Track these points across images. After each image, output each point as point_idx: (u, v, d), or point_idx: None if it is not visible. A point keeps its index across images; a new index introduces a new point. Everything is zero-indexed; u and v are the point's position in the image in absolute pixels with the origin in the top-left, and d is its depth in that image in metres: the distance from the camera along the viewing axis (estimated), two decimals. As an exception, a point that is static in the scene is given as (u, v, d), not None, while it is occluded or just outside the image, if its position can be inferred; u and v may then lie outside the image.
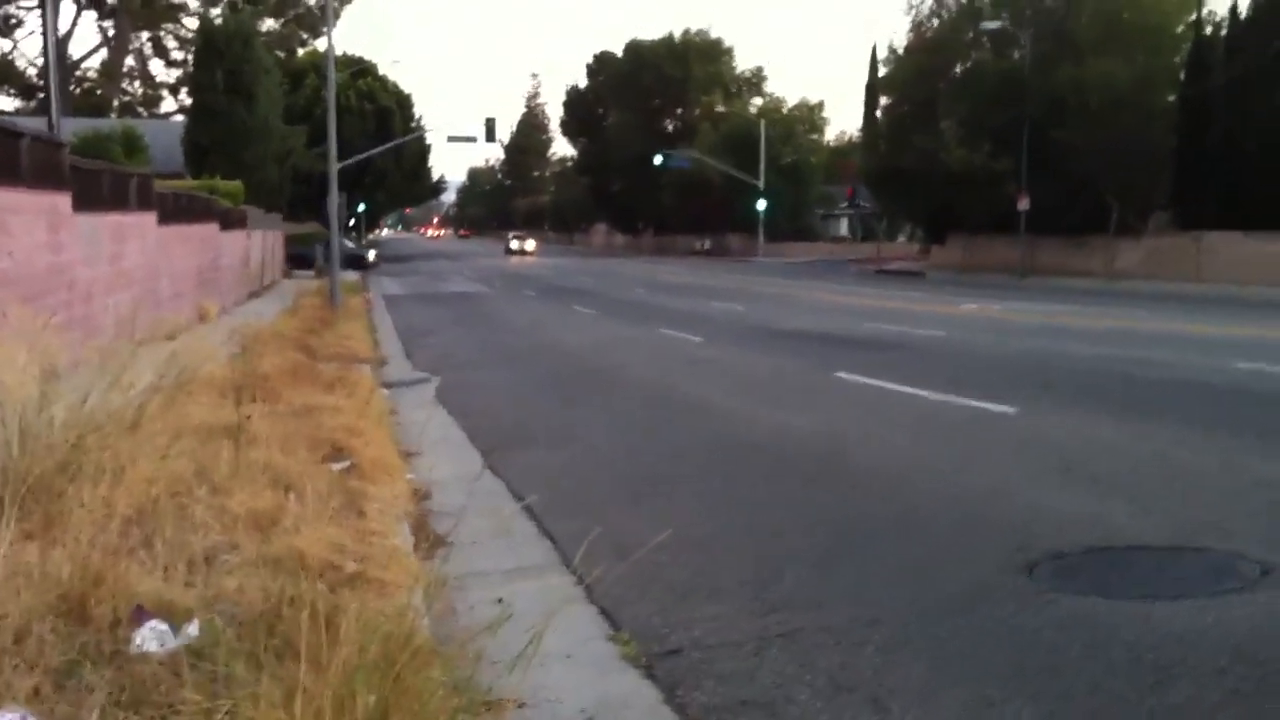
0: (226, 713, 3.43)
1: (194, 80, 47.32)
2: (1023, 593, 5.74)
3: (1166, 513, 7.28)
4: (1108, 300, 32.15)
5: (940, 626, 5.28)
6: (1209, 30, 44.58)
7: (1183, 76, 44.20)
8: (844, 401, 12.92)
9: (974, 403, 12.22)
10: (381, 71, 76.28)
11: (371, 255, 66.14)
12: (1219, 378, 14.05)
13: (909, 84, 55.30)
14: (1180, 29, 46.74)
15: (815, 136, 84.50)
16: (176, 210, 21.61)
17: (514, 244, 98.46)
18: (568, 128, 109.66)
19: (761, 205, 72.08)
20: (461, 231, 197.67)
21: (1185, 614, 5.29)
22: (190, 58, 56.07)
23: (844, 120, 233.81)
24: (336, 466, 7.90)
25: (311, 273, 44.97)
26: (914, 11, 55.25)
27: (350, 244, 72.14)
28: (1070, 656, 4.84)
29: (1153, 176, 42.88)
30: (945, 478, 8.54)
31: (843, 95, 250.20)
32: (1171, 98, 44.52)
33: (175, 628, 4.19)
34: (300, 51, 72.84)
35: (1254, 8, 40.76)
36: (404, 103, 76.79)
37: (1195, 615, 5.27)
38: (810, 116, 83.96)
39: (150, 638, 4.08)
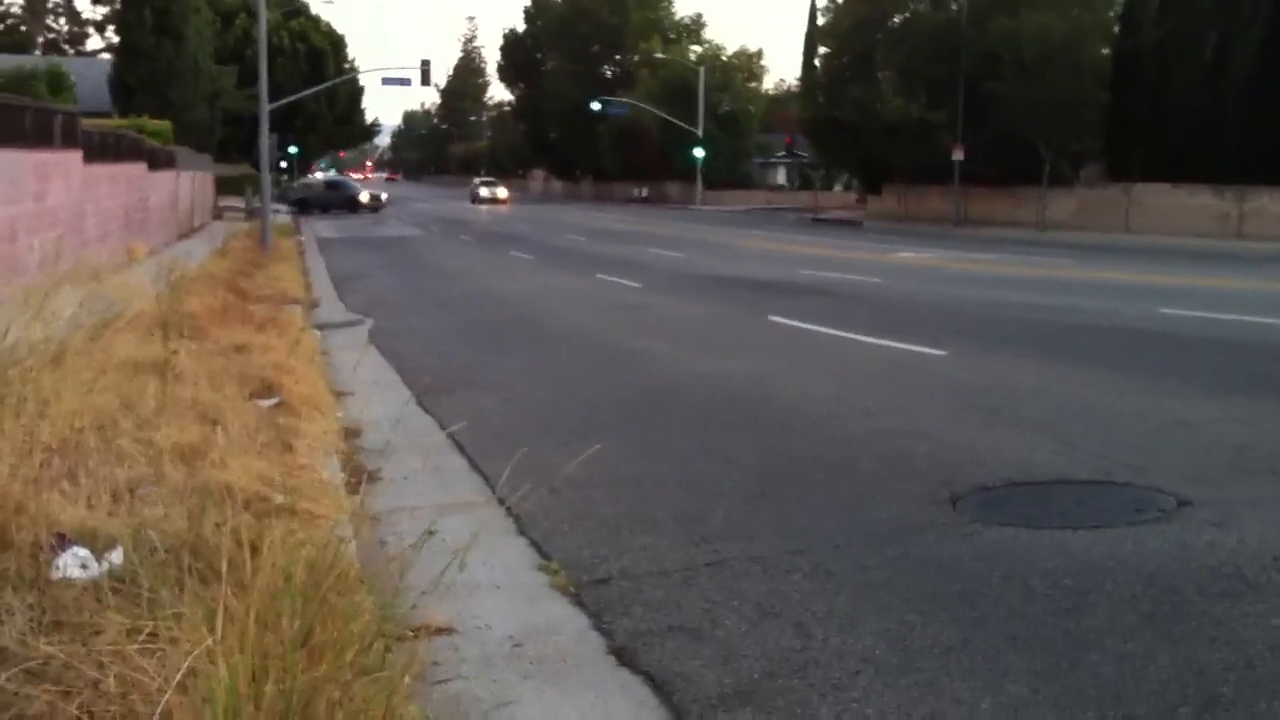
0: (149, 633, 3.41)
1: (121, 18, 46.21)
2: (946, 524, 5.85)
3: (1089, 450, 7.42)
4: (1039, 249, 32.56)
5: (865, 557, 5.36)
6: (1143, -16, 45.00)
7: (1116, 31, 44.65)
8: (778, 346, 13.01)
9: (906, 346, 12.36)
10: (315, 11, 74.89)
11: (366, 196, 62.51)
12: (1143, 323, 14.33)
13: (847, 35, 55.28)
14: (1115, -18, 47.16)
15: (754, 85, 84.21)
16: (103, 149, 21.12)
17: (483, 191, 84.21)
18: (505, 73, 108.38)
19: (699, 153, 71.87)
20: (388, 175, 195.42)
21: (1102, 544, 5.42)
22: (117, -5, 54.70)
23: (783, 69, 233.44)
24: (265, 403, 7.84)
25: (242, 214, 44.23)
26: (854, -40, 55.11)
27: (353, 182, 71.46)
28: (990, 584, 4.95)
29: (1085, 129, 43.36)
30: (876, 418, 8.64)
31: (782, 44, 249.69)
32: (1105, 51, 44.96)
33: (98, 555, 4.16)
34: (231, -11, 71.24)
35: (1187, -39, 41.14)
36: (337, 44, 75.50)
37: (1112, 545, 5.40)
38: (749, 65, 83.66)
39: (72, 563, 4.04)
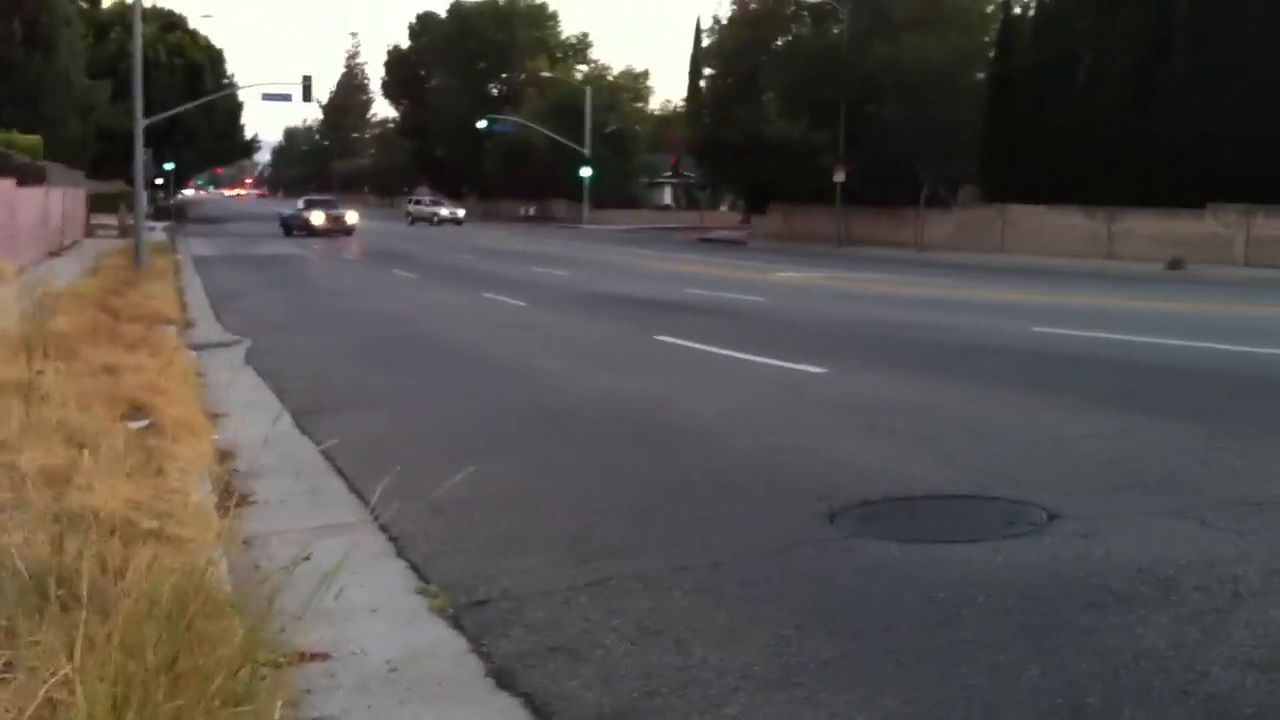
0: (5, 663, 3.28)
1: (-12, 29, 44.63)
2: (825, 540, 5.91)
3: (965, 465, 7.58)
4: (918, 269, 33.29)
5: (746, 573, 5.39)
6: (1018, 11, 46.45)
7: (992, 55, 45.97)
8: (664, 364, 13.06)
9: (788, 364, 12.51)
10: (192, 25, 73.47)
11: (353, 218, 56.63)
12: (1017, 341, 14.72)
13: (732, 56, 56.08)
14: (990, 9, 48.59)
15: (640, 105, 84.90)
16: (-34, 163, 20.37)
17: (443, 211, 74.48)
18: (389, 89, 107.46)
19: (586, 172, 72.08)
20: (259, 192, 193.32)
21: (977, 558, 5.53)
22: (-17, 5, 52.89)
23: (669, 90, 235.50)
24: (135, 425, 7.60)
25: (115, 231, 42.99)
26: (738, -17, 55.91)
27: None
28: (867, 598, 5.01)
29: (962, 152, 44.51)
30: (758, 435, 8.71)
31: (668, 66, 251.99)
32: (981, 76, 46.26)
33: (-50, 584, 3.97)
34: (105, 2, 69.46)
35: (1059, -10, 42.56)
36: (216, 59, 74.19)
37: (986, 559, 5.51)
38: (635, 85, 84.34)
39: (-77, 594, 3.86)
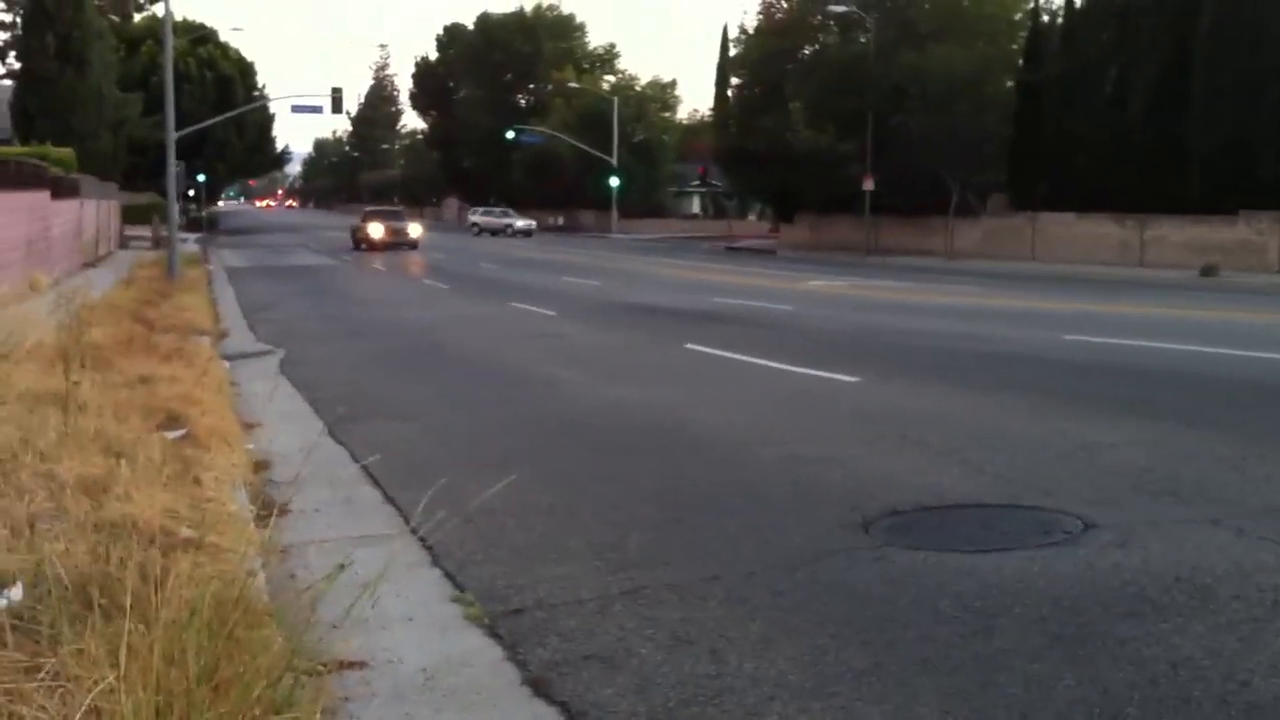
0: (50, 671, 3.32)
1: (23, 45, 45.25)
2: (857, 549, 5.90)
3: (997, 475, 7.56)
4: (947, 277, 33.16)
5: (779, 582, 5.39)
6: (1045, 19, 46.26)
7: (1020, 64, 45.78)
8: (693, 374, 13.07)
9: (819, 373, 12.49)
10: (223, 38, 74.07)
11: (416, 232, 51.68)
12: (1048, 350, 14.64)
13: (759, 65, 56.02)
14: (1018, 17, 48.39)
15: (667, 115, 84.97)
16: (2, 178, 20.61)
17: (519, 223, 71.34)
18: (417, 101, 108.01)
19: (614, 182, 72.19)
20: (289, 204, 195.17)
21: (1011, 567, 5.51)
22: (19, 20, 53.57)
23: (696, 99, 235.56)
24: (172, 435, 7.67)
25: (148, 243, 43.37)
26: (764, -7, 55.89)
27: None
28: (900, 607, 5.01)
29: (991, 160, 44.32)
30: (788, 445, 8.71)
31: (695, 75, 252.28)
32: (1009, 84, 46.08)
33: (-4, 592, 4.03)
34: (137, 17, 70.20)
35: (1088, -2, 42.39)
36: (246, 71, 74.70)
37: (1020, 568, 5.49)
38: (662, 95, 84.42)
39: (-31, 602, 3.91)
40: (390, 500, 7.11)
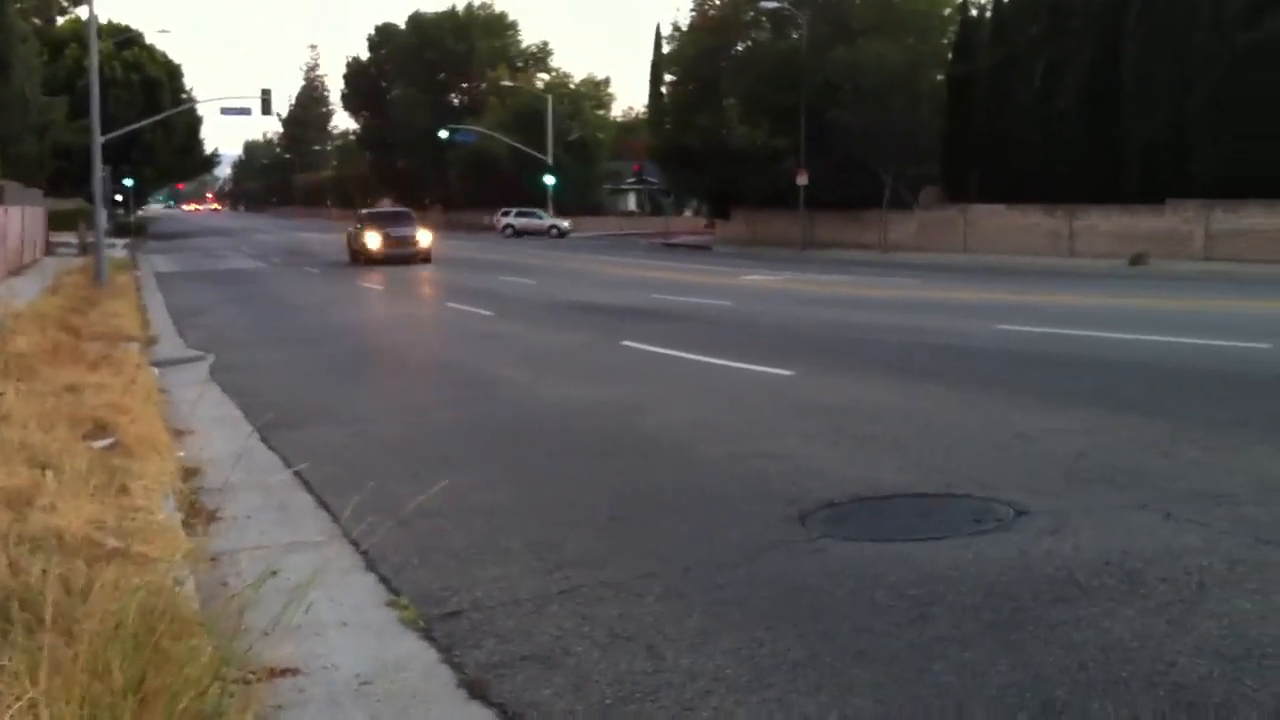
0: (-34, 690, 3.24)
1: (-59, 48, 44.17)
2: (795, 542, 5.93)
3: (932, 465, 7.62)
4: (882, 270, 33.45)
5: (717, 577, 5.40)
6: (975, 14, 46.81)
7: (950, 59, 46.31)
8: (631, 371, 13.06)
9: (757, 368, 12.54)
10: (149, 41, 72.91)
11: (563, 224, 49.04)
12: (981, 340, 14.81)
13: (692, 62, 56.15)
14: (948, 12, 48.93)
15: (602, 113, 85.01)
16: (-79, 183, 20.14)
17: (564, 224, 68.78)
18: (349, 101, 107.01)
19: (550, 181, 72.00)
20: (215, 207, 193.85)
21: (945, 556, 5.56)
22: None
23: (631, 97, 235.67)
24: (99, 444, 7.54)
25: (75, 249, 42.57)
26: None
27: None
28: (837, 598, 5.03)
29: (924, 154, 44.78)
30: (726, 441, 8.72)
31: (629, 72, 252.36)
32: (941, 78, 46.58)
33: (-88, 610, 3.92)
34: (60, 20, 68.95)
35: (1016, -9, 42.93)
36: (174, 73, 73.61)
37: (954, 556, 5.54)
38: (597, 93, 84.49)
39: (-117, 620, 3.81)
40: (324, 505, 7.02)
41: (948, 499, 6.75)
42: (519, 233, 69.85)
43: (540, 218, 71.08)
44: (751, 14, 53.38)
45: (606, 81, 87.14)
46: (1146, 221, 36.06)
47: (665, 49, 61.46)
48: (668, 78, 61.66)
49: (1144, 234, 35.56)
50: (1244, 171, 32.38)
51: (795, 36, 50.09)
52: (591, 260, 41.38)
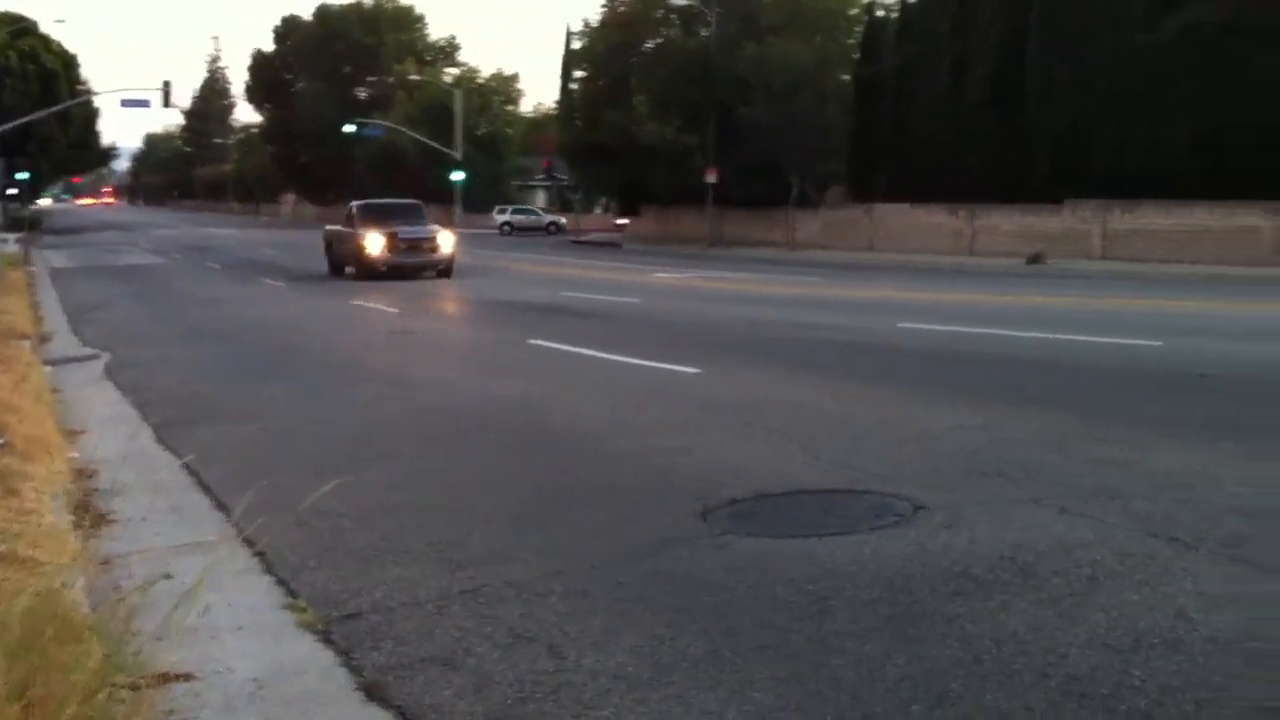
0: None
1: None
2: (699, 539, 5.95)
3: (835, 461, 7.71)
4: (788, 268, 33.78)
5: (621, 575, 5.40)
6: (881, 14, 47.47)
7: (857, 58, 46.90)
8: (540, 370, 13.02)
9: (664, 365, 12.58)
10: (45, 30, 70.90)
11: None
12: (884, 337, 15.03)
13: (603, 59, 56.19)
14: (854, 11, 49.56)
15: (511, 108, 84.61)
16: None
17: (563, 220, 68.26)
18: (253, 94, 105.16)
19: (458, 176, 71.48)
20: (109, 201, 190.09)
21: (845, 551, 5.63)
22: None
23: (541, 93, 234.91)
24: (-14, 445, 7.31)
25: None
26: (607, -14, 56.07)
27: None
28: (738, 594, 5.07)
29: (830, 152, 45.32)
30: (634, 438, 8.74)
31: (539, 69, 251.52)
32: (847, 78, 47.17)
33: None
34: (-50, 8, 66.85)
35: (921, -9, 43.63)
36: (70, 64, 71.69)
37: (853, 551, 5.61)
38: (506, 88, 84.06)
39: None
40: (221, 506, 6.88)
41: (850, 494, 6.83)
42: (515, 229, 69.19)
43: (538, 215, 71.16)
44: (661, 11, 53.56)
45: (515, 77, 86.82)
46: (1046, 221, 36.89)
47: (576, 45, 61.38)
48: (578, 74, 61.62)
49: (1044, 233, 36.38)
50: (1144, 168, 33.26)
51: (705, 34, 50.37)
52: (498, 257, 41.19)
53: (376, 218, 30.70)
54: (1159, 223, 33.86)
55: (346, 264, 31.07)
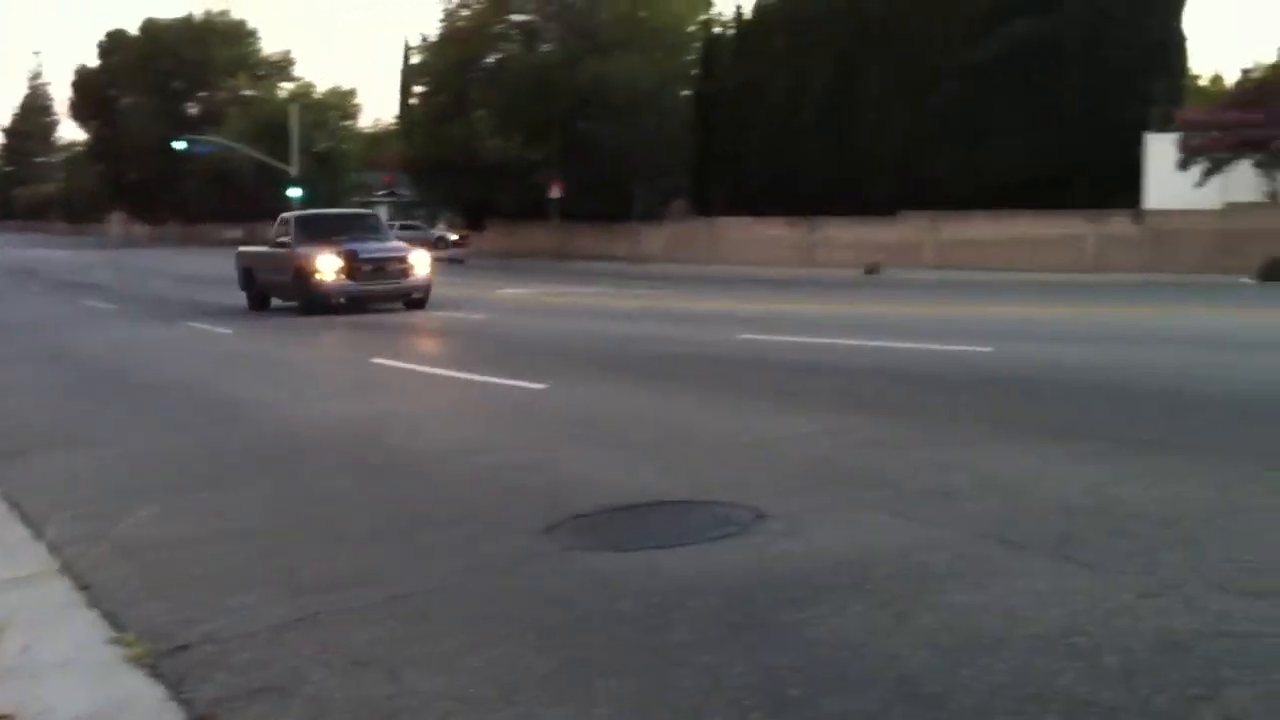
0: None
1: None
2: (546, 555, 5.93)
3: (681, 471, 7.77)
4: (633, 282, 34.01)
5: (466, 595, 5.35)
6: (719, 31, 48.28)
7: (697, 74, 47.59)
8: (384, 388, 12.85)
9: (510, 382, 12.52)
10: None
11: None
12: (726, 348, 15.25)
13: (443, 74, 55.84)
14: (692, 29, 50.29)
15: (349, 123, 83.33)
16: None
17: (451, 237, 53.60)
18: (78, 111, 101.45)
19: (295, 192, 69.92)
20: None
21: (688, 562, 5.67)
22: None
23: (380, 109, 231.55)
24: None
25: None
26: (445, 0, 55.74)
27: None
28: (583, 609, 5.06)
29: (672, 167, 45.86)
30: (482, 455, 8.67)
31: (378, 84, 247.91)
32: (687, 93, 47.82)
33: None
34: None
35: (757, 9, 44.51)
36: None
37: (697, 562, 5.66)
38: (343, 103, 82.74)
39: None
40: (41, 537, 6.58)
41: (693, 505, 6.89)
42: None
43: (423, 230, 66.09)
44: (501, 26, 53.46)
45: (353, 92, 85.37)
46: (882, 232, 37.97)
47: (415, 60, 60.79)
48: (418, 89, 61.02)
49: (880, 244, 37.44)
50: (974, 182, 34.53)
51: (546, 49, 50.45)
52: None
53: (323, 232, 24.76)
54: (988, 233, 35.18)
55: (278, 294, 25.36)
